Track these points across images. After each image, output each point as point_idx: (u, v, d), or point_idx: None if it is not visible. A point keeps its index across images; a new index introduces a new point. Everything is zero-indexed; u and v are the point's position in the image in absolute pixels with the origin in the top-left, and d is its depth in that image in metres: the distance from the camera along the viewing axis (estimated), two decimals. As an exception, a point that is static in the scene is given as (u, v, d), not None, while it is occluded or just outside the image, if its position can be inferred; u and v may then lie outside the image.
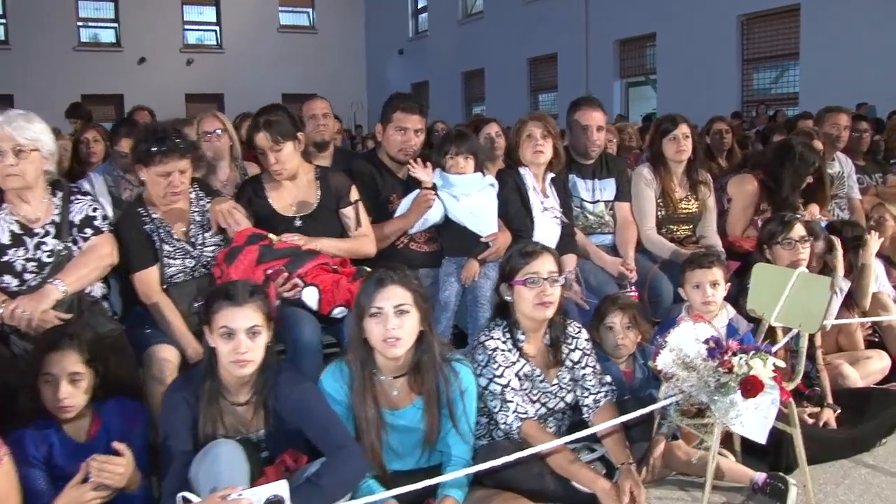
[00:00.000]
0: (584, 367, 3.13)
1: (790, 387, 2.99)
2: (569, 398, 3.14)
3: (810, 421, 3.63)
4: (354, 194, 3.82)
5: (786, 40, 15.09)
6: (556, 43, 19.83)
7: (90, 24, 25.39)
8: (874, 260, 4.67)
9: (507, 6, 21.22)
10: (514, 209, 4.04)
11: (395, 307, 2.64)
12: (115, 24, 25.35)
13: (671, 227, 4.56)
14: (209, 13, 26.79)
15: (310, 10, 27.93)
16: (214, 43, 26.81)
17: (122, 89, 23.56)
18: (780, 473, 3.20)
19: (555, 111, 17.44)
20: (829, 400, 3.70)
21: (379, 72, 27.32)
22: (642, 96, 18.94)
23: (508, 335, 3.04)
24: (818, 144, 5.19)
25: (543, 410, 3.10)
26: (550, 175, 4.19)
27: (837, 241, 4.24)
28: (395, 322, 2.63)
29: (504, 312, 3.08)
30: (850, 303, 4.34)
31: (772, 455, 3.31)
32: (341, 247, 3.67)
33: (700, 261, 3.53)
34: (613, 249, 4.44)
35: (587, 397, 3.11)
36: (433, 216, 3.82)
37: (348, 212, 3.76)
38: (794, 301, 2.99)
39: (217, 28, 26.79)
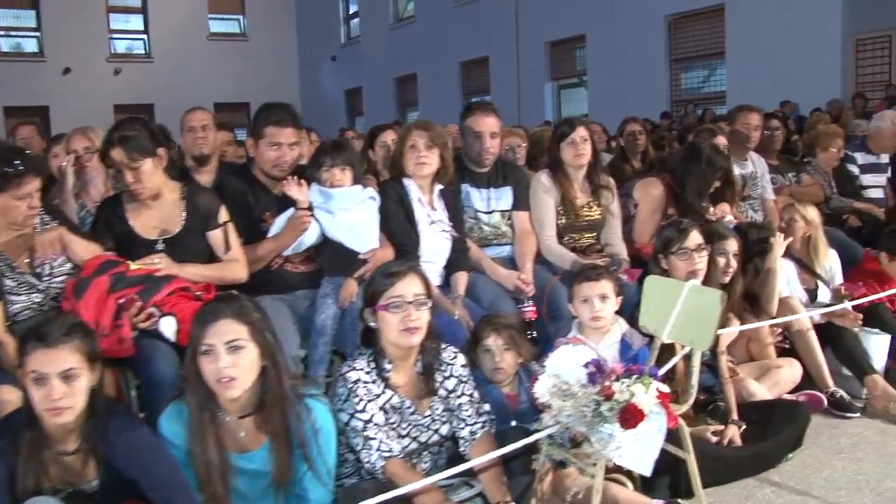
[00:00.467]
0: (459, 396, 2.88)
1: (681, 410, 2.79)
2: (444, 430, 2.88)
3: (714, 439, 3.44)
4: (224, 215, 3.52)
5: (712, 40, 15.15)
6: (487, 46, 19.73)
7: (11, 33, 24.62)
8: (786, 263, 4.54)
9: (438, 10, 21.07)
10: (398, 223, 3.77)
11: (227, 344, 2.35)
12: (38, 34, 24.57)
13: (573, 235, 4.33)
14: (136, 21, 26.17)
15: (240, 18, 27.43)
16: (143, 52, 26.17)
17: (48, 101, 22.96)
18: (679, 500, 3.01)
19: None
20: (734, 415, 3.50)
21: (312, 79, 26.97)
22: (575, 98, 18.90)
23: (374, 364, 2.77)
24: (721, 140, 5.05)
25: (415, 445, 2.84)
26: (438, 186, 3.94)
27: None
28: (227, 360, 2.34)
29: (370, 339, 2.82)
30: (758, 309, 4.18)
31: (670, 479, 3.11)
32: (207, 274, 3.37)
33: (587, 273, 3.30)
34: (512, 262, 4.19)
35: (463, 429, 2.85)
36: (309, 238, 3.53)
37: (216, 235, 3.47)
38: (687, 316, 2.78)
39: (145, 37, 26.16)
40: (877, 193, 6.25)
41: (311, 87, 26.86)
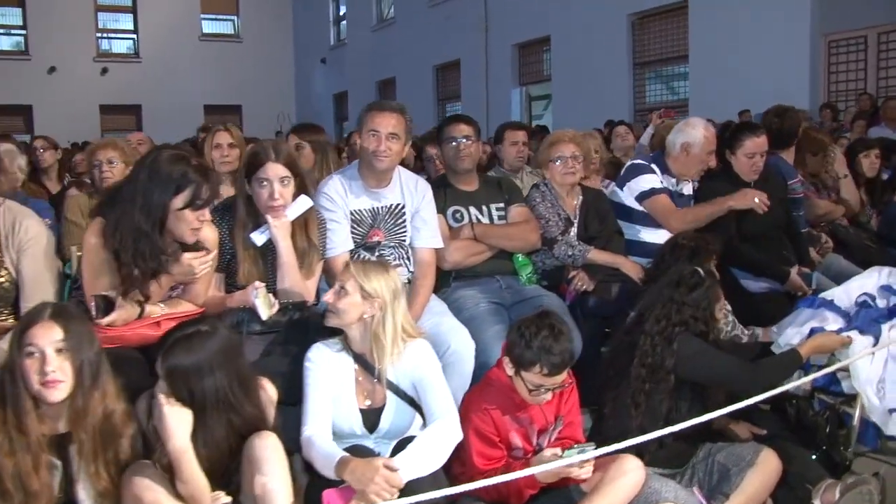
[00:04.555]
0: None
1: None
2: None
3: None
4: None
5: (676, 43, 13.16)
6: (458, 49, 18.00)
7: (-3, 30, 23.90)
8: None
9: (415, 10, 19.44)
10: None
11: None
12: (23, 32, 23.69)
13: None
14: (126, 21, 25.15)
15: (234, 18, 26.21)
16: (132, 51, 25.13)
17: (31, 100, 22.21)
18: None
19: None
20: None
21: (305, 82, 25.64)
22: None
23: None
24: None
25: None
26: None
27: None
28: None
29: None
30: None
31: None
32: None
33: None
34: None
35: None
36: None
37: None
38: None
39: (134, 36, 25.11)
40: (657, 237, 4.31)
41: (304, 90, 25.55)
